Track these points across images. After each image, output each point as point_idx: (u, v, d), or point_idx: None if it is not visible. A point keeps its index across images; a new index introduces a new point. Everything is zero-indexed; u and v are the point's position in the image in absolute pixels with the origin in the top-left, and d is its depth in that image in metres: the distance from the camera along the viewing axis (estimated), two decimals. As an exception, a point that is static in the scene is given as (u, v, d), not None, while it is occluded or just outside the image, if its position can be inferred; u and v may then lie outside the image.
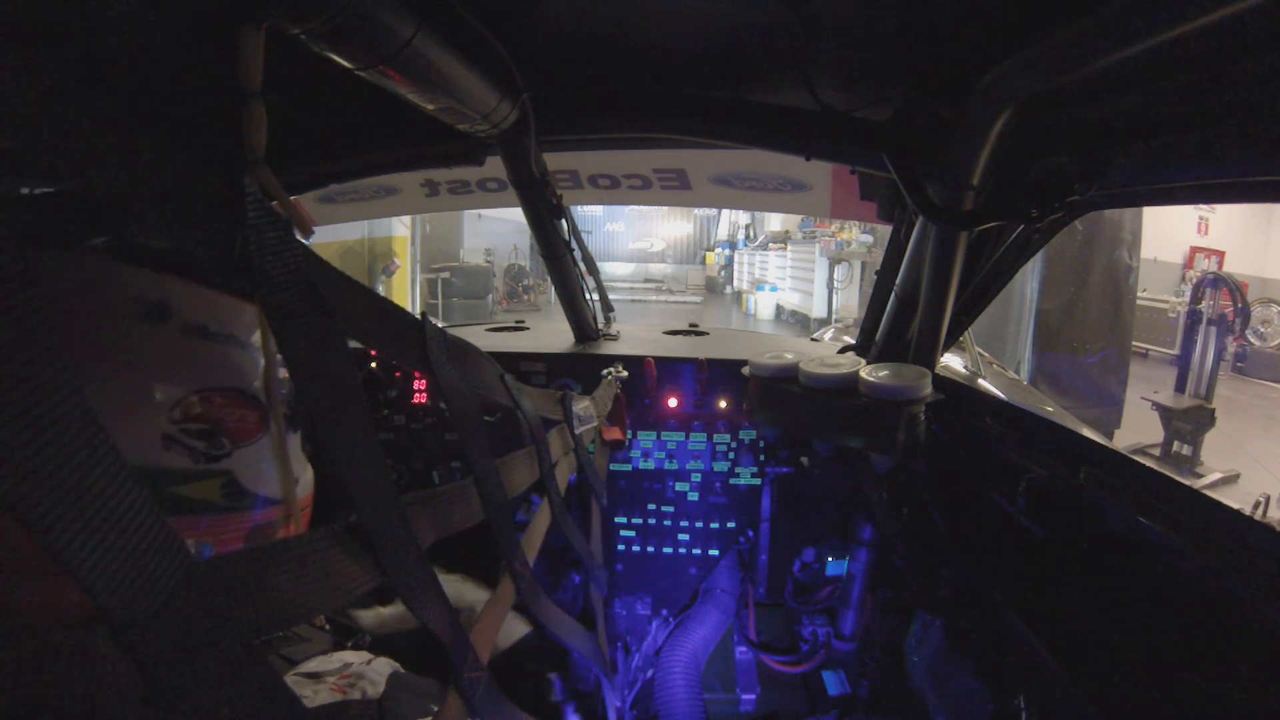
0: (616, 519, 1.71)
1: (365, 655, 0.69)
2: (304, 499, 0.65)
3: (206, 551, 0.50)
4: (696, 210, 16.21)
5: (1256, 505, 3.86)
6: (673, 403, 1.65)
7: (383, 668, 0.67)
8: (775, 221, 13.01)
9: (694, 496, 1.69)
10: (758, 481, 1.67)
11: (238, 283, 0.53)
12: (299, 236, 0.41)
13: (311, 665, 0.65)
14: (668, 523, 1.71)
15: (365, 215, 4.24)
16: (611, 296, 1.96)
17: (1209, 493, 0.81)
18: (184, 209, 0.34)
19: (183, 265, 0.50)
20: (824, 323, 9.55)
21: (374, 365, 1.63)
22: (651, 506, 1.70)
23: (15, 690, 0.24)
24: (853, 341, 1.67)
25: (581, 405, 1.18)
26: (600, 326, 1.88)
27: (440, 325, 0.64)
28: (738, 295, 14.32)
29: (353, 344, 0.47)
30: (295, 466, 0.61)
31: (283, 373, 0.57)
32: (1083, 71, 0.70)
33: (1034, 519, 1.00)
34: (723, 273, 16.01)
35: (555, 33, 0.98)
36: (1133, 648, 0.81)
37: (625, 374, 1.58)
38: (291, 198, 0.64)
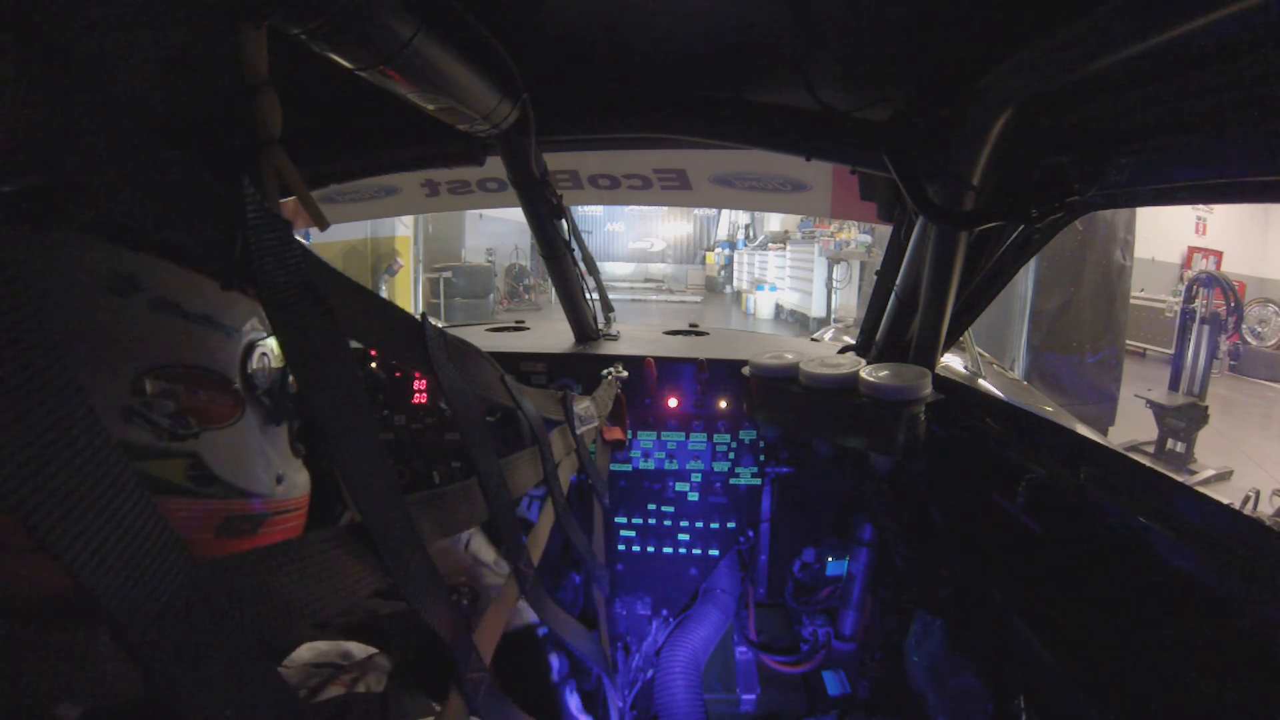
0: (616, 519, 1.71)
1: (368, 649, 0.69)
2: (298, 499, 0.64)
3: None
4: (696, 210, 16.19)
5: (1246, 500, 3.90)
6: (673, 403, 1.65)
7: (384, 664, 0.67)
8: (775, 221, 13.01)
9: (694, 496, 1.69)
10: (758, 481, 1.67)
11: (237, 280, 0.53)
12: (315, 229, 0.41)
13: (312, 655, 0.65)
14: (668, 523, 1.70)
15: (365, 215, 4.23)
16: (611, 296, 1.96)
17: (1202, 489, 0.81)
18: (184, 209, 0.34)
19: (174, 247, 0.50)
20: (823, 322, 9.57)
21: (374, 365, 1.63)
22: (652, 506, 1.70)
23: (18, 690, 0.24)
24: (853, 341, 1.67)
25: (582, 405, 1.18)
26: (600, 326, 1.88)
27: (440, 325, 0.63)
28: (737, 295, 14.31)
29: (353, 345, 0.47)
30: (278, 462, 0.60)
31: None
32: (1083, 71, 0.70)
33: (1034, 518, 1.00)
34: (722, 273, 16.00)
35: (555, 33, 0.97)
36: (1133, 647, 0.81)
37: (625, 374, 1.58)
38: (293, 198, 0.64)
